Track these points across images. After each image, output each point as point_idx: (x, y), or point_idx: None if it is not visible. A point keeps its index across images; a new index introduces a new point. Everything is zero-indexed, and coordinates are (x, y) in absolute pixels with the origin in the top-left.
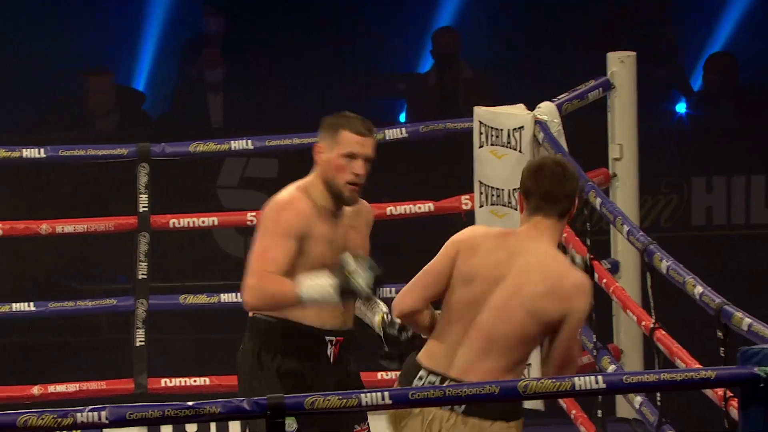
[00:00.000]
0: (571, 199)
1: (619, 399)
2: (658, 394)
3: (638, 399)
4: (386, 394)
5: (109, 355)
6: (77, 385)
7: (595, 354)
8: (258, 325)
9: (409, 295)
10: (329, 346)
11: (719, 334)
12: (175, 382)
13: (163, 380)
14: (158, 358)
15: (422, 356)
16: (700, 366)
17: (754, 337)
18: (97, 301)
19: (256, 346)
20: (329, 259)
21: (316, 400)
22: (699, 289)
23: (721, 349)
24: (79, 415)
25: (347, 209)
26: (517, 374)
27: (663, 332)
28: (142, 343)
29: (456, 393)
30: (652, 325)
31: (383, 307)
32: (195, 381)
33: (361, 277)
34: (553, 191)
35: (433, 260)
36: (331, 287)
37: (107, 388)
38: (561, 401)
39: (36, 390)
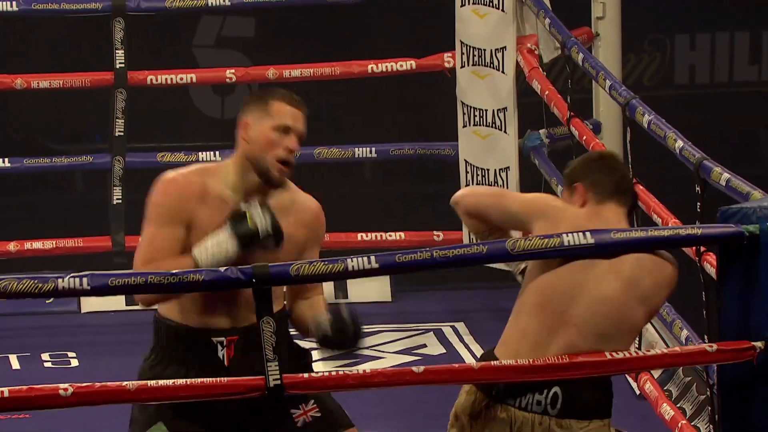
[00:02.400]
0: (635, 196)
1: None
2: None
3: None
4: (372, 258)
5: (85, 213)
6: (54, 242)
7: None
8: (154, 328)
9: (475, 201)
10: (219, 348)
11: (698, 188)
12: None
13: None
14: (135, 216)
15: (503, 353)
16: (677, 220)
17: (732, 192)
18: (74, 158)
19: (151, 352)
20: None
21: (301, 266)
22: (679, 143)
23: (698, 203)
24: (60, 281)
25: (273, 203)
26: None
27: (641, 187)
28: (119, 201)
29: (443, 255)
30: None
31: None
32: None
33: (259, 218)
34: (625, 181)
35: (515, 198)
36: (228, 237)
37: (84, 246)
38: None
39: (12, 246)
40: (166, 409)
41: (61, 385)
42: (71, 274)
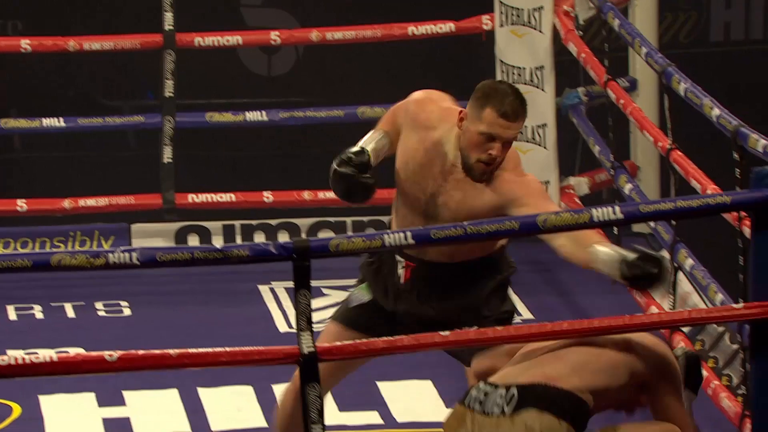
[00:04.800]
0: None
1: None
2: None
3: None
4: (408, 234)
5: (137, 171)
6: (107, 199)
7: (612, 173)
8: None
9: None
10: (399, 266)
11: (735, 155)
12: (202, 198)
13: (189, 196)
14: (185, 174)
15: None
16: (715, 186)
17: None
18: (126, 117)
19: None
20: (407, 184)
21: (340, 242)
22: (716, 111)
23: (737, 170)
24: (111, 255)
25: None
26: None
27: (679, 153)
28: (170, 160)
29: (476, 231)
30: (669, 146)
31: None
32: (221, 197)
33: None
34: None
35: None
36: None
37: (136, 203)
38: None
39: (67, 204)
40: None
41: (107, 352)
42: (122, 249)
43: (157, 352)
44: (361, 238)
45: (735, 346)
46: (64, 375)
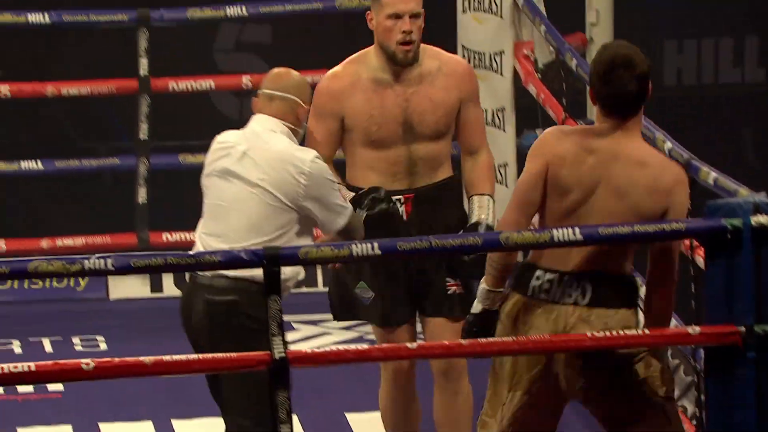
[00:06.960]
0: (643, 80)
1: None
2: None
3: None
4: (375, 244)
5: (113, 212)
6: (83, 238)
7: None
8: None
9: (509, 214)
10: (399, 206)
11: None
12: (176, 237)
13: (164, 234)
14: (160, 213)
15: (534, 258)
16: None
17: (719, 190)
18: (101, 159)
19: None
20: (379, 133)
21: (309, 251)
22: (668, 144)
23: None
24: (86, 262)
25: (421, 72)
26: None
27: None
28: (145, 200)
29: (441, 245)
30: None
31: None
32: (194, 236)
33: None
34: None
35: (521, 177)
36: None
37: (112, 242)
38: None
39: (44, 243)
40: (366, 271)
41: (84, 360)
42: (97, 256)
43: (131, 359)
44: (329, 248)
45: (689, 378)
46: (44, 383)
